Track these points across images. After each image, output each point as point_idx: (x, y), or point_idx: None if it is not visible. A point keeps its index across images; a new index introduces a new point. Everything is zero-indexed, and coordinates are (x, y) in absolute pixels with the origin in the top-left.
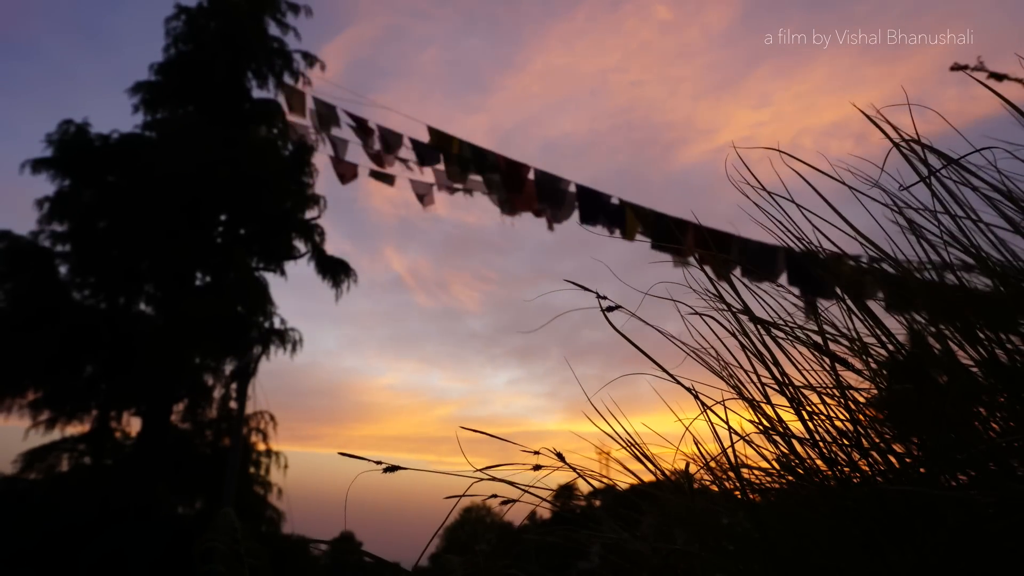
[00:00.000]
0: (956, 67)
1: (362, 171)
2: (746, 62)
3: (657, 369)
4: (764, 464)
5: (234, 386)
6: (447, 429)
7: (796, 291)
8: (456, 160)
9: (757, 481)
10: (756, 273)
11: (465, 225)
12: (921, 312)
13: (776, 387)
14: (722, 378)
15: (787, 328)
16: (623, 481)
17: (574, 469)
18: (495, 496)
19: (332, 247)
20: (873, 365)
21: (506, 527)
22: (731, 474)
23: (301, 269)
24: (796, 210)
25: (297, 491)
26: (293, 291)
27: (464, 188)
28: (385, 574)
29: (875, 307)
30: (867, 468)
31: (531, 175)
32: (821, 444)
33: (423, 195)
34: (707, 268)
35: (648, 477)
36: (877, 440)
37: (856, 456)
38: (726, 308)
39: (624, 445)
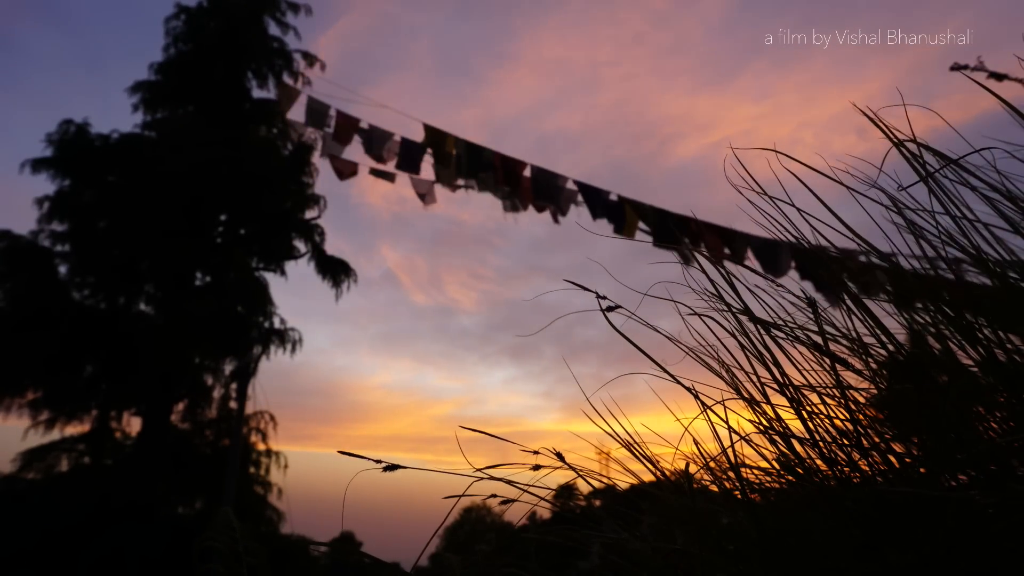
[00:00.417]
0: (956, 67)
1: (362, 168)
2: (744, 53)
3: (655, 368)
4: (764, 464)
5: (234, 386)
6: (444, 428)
7: (806, 285)
8: (450, 159)
9: (757, 481)
10: (762, 265)
11: (457, 221)
12: (921, 312)
13: (776, 387)
14: (722, 378)
15: (787, 328)
16: (623, 481)
17: (574, 469)
18: (494, 496)
19: (327, 244)
20: (873, 365)
21: (506, 527)
22: (731, 474)
23: (294, 267)
24: (795, 211)
25: (295, 491)
26: (289, 290)
27: (466, 185)
28: (384, 574)
29: (875, 307)
30: (867, 468)
31: (527, 172)
32: (821, 444)
33: (424, 194)
34: (708, 266)
35: (648, 477)
36: (877, 440)
37: (856, 456)
38: (726, 308)
39: (623, 445)
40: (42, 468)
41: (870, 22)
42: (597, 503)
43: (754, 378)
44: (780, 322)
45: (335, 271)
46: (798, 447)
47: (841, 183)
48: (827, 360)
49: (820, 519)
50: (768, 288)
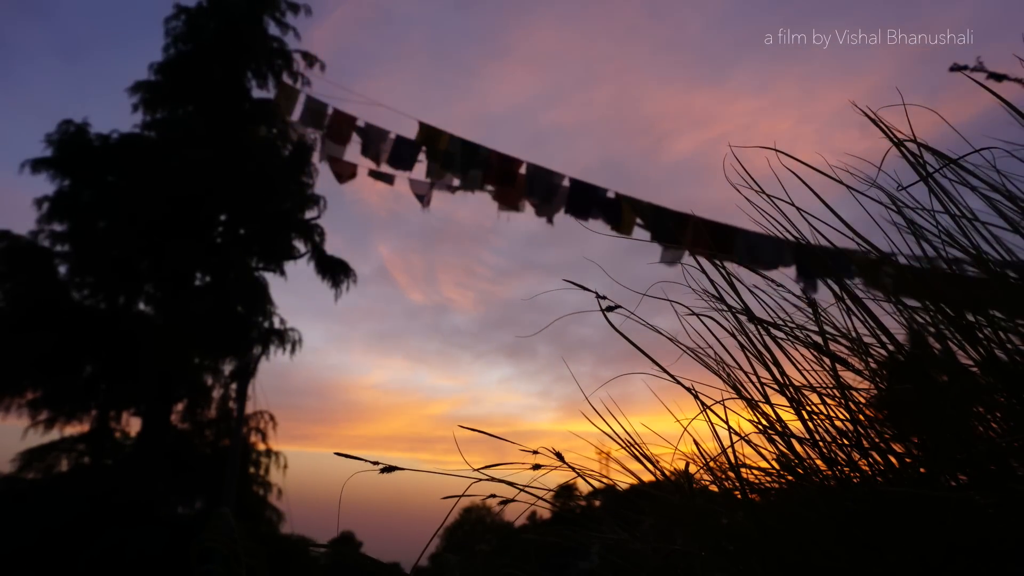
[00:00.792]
0: (956, 67)
1: (361, 170)
2: (743, 46)
3: (654, 368)
4: (764, 464)
5: (234, 386)
6: (440, 428)
7: (802, 284)
8: (443, 156)
9: (757, 481)
10: (761, 263)
11: (452, 219)
12: (921, 312)
13: (776, 387)
14: (721, 378)
15: (787, 328)
16: (623, 481)
17: (573, 469)
18: (494, 496)
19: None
20: (873, 365)
21: (506, 527)
22: (731, 474)
23: (291, 266)
24: (794, 210)
25: (294, 490)
26: (284, 289)
27: (460, 185)
28: (384, 574)
29: (875, 307)
30: (867, 468)
31: (523, 170)
32: (821, 444)
33: (422, 195)
34: (707, 265)
35: (648, 477)
36: (877, 440)
37: (856, 456)
38: (725, 308)
39: (623, 445)
40: (42, 468)
41: (870, 18)
42: (597, 503)
43: (754, 378)
44: (780, 322)
45: (335, 271)
46: (798, 447)
47: (841, 182)
48: (827, 360)
49: (820, 519)
50: (768, 288)
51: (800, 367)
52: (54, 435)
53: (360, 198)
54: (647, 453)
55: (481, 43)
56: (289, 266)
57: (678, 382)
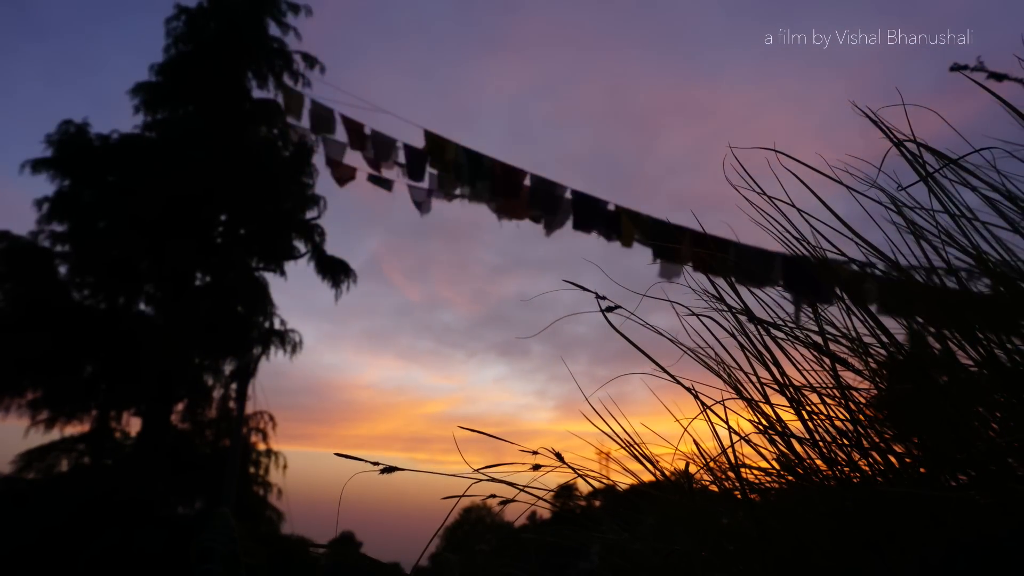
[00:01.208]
0: (956, 67)
1: (360, 174)
2: (746, 32)
3: (652, 367)
4: (764, 464)
5: (234, 386)
6: (437, 428)
7: (792, 296)
8: (452, 167)
9: (757, 481)
10: (754, 278)
11: (440, 214)
12: (920, 313)
13: (776, 387)
14: (721, 377)
15: (787, 328)
16: (622, 481)
17: (573, 469)
18: (494, 496)
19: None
20: (873, 365)
21: (506, 527)
22: (731, 474)
23: (290, 266)
24: (795, 211)
25: (294, 490)
26: (279, 288)
27: (462, 194)
28: (384, 574)
29: (874, 307)
30: (867, 468)
31: (527, 181)
32: (821, 444)
33: (421, 202)
34: (706, 271)
35: (647, 477)
36: (877, 440)
37: (856, 456)
38: (725, 308)
39: (622, 445)
40: (42, 468)
41: (868, 17)
42: (597, 503)
43: (754, 378)
44: (780, 322)
45: (335, 271)
46: (798, 447)
47: (840, 182)
48: (827, 360)
49: (820, 519)
50: (768, 289)
51: (800, 367)
52: (54, 435)
53: (352, 195)
54: (647, 453)
55: (473, 34)
56: (288, 266)
57: (678, 382)
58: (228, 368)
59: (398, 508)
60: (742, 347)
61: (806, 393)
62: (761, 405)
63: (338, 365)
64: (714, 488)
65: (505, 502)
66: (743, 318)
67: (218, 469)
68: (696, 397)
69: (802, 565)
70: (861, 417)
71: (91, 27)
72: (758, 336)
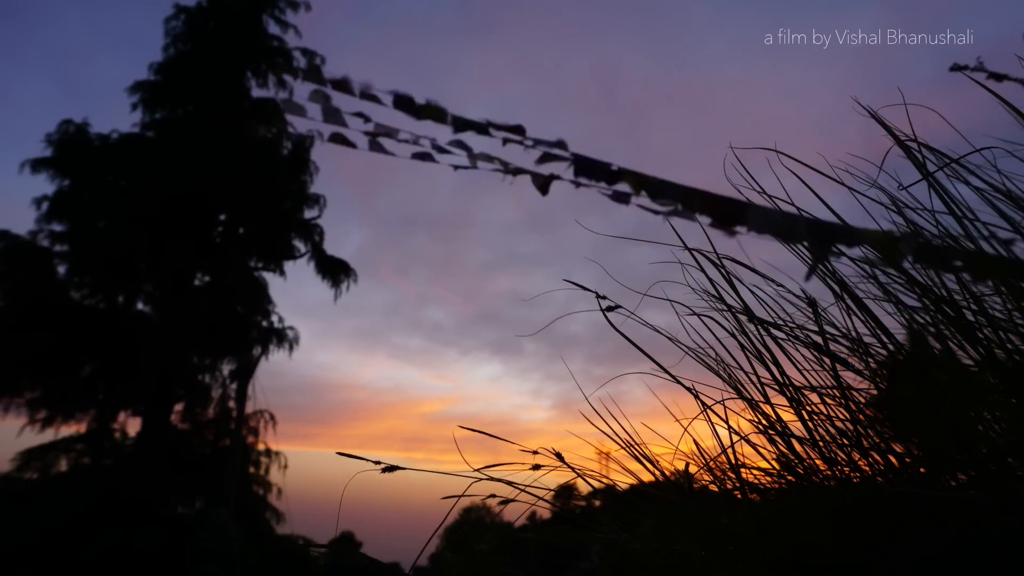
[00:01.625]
0: (956, 67)
1: (354, 154)
2: (749, 19)
3: (652, 367)
4: (764, 464)
5: (233, 386)
6: (433, 427)
7: (811, 259)
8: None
9: (757, 481)
10: (779, 230)
11: (433, 209)
12: (921, 312)
13: (776, 387)
14: (721, 377)
15: (787, 328)
16: (622, 481)
17: (573, 469)
18: (494, 496)
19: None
20: (873, 365)
21: (506, 527)
22: (731, 474)
23: (288, 266)
24: (794, 210)
25: (294, 490)
26: (280, 288)
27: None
28: (384, 574)
29: (875, 307)
30: (867, 468)
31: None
32: (821, 444)
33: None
34: (707, 265)
35: (647, 477)
36: (877, 440)
37: (856, 456)
38: (725, 308)
39: (622, 444)
40: (41, 468)
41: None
42: (597, 503)
43: (754, 378)
44: (780, 322)
45: (335, 271)
46: (798, 447)
47: (841, 182)
48: (827, 360)
49: (820, 519)
50: (768, 288)
51: (800, 367)
52: (53, 435)
53: (338, 190)
54: (646, 453)
55: (456, 16)
56: (287, 265)
57: (678, 382)
58: (227, 368)
59: (398, 508)
60: (742, 347)
61: (806, 393)
62: (761, 405)
63: (332, 364)
64: (714, 488)
65: (505, 502)
66: (743, 317)
67: (218, 469)
68: (696, 397)
69: (802, 565)
70: (861, 417)
71: (91, 27)
72: (758, 336)
